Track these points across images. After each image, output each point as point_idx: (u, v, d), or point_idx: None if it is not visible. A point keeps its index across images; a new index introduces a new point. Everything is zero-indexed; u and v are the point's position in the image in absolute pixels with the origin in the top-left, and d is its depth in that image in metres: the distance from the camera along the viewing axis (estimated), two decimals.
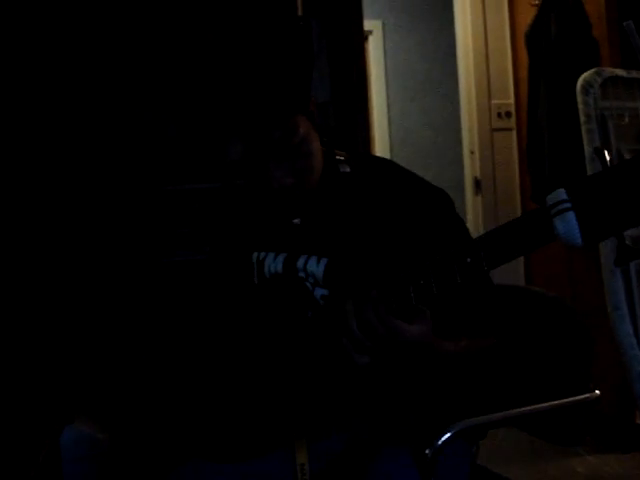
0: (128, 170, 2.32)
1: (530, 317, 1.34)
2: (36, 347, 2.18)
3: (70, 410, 1.99)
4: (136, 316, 2.20)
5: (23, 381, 2.13)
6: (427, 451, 1.25)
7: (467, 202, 3.86)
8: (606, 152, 1.14)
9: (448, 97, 4.70)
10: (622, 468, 2.80)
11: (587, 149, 2.59)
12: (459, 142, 4.10)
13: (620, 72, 2.70)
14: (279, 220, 1.36)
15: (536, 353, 1.46)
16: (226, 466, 1.28)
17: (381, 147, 4.81)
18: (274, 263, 1.32)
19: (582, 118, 2.61)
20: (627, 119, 2.64)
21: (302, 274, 1.30)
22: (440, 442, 1.25)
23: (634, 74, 2.69)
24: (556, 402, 1.41)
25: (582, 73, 2.65)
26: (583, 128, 2.60)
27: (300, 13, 2.43)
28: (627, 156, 2.53)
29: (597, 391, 1.43)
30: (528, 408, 1.39)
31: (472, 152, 3.85)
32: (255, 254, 1.35)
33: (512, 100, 3.78)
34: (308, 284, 1.29)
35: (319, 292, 1.29)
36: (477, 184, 3.82)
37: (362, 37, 2.75)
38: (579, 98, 2.61)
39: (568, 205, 0.87)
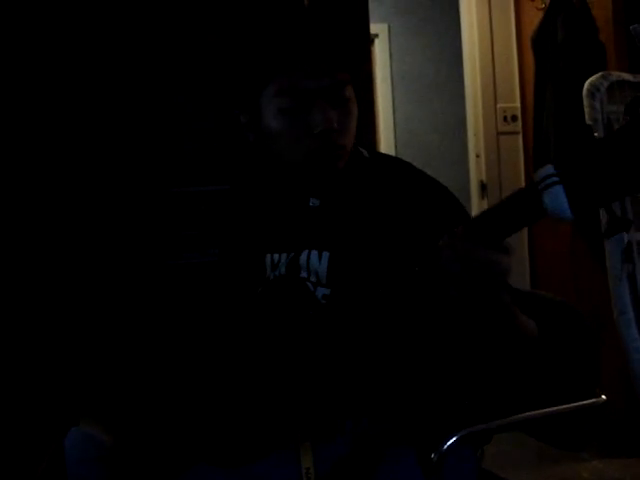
0: (133, 172, 2.33)
1: (537, 321, 1.34)
2: (41, 348, 2.18)
3: (75, 412, 1.99)
4: (141, 318, 2.20)
5: (28, 382, 2.13)
6: (432, 455, 1.24)
7: (473, 206, 3.85)
8: (593, 127, 1.13)
9: (454, 100, 4.70)
10: (628, 473, 2.79)
11: None
12: (465, 145, 4.10)
13: (627, 76, 2.69)
14: (294, 203, 1.34)
15: (543, 357, 1.46)
16: (231, 470, 1.28)
17: (386, 150, 4.81)
18: (282, 266, 1.32)
19: (588, 122, 2.60)
20: None
21: (304, 273, 1.29)
22: (445, 446, 1.25)
23: None
24: (562, 407, 1.41)
25: (588, 77, 2.64)
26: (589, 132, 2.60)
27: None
28: None
29: (603, 396, 1.42)
30: (534, 413, 1.38)
31: (478, 155, 3.85)
32: (269, 256, 1.34)
33: (518, 104, 3.78)
34: (309, 284, 1.28)
35: (321, 292, 1.28)
36: (483, 188, 3.81)
37: (368, 41, 2.75)
38: (585, 102, 2.60)
39: (556, 179, 0.87)
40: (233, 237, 1.44)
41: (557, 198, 0.87)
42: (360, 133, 1.33)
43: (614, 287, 2.53)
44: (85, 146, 2.29)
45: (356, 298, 1.18)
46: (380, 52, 4.89)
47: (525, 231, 3.59)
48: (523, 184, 3.75)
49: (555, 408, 1.40)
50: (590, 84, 2.61)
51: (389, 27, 4.89)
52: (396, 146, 4.89)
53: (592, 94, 2.59)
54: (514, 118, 3.78)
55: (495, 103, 3.78)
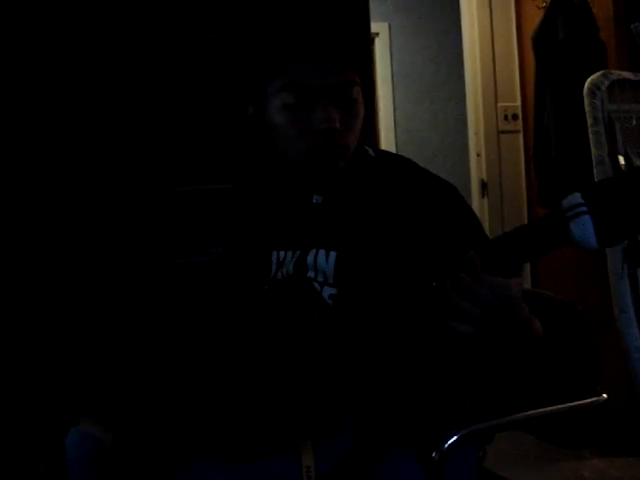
0: (133, 171, 2.32)
1: (539, 320, 1.34)
2: (41, 348, 2.18)
3: (75, 411, 1.99)
4: (141, 317, 2.20)
5: (28, 382, 2.13)
6: (434, 454, 1.24)
7: (473, 204, 3.85)
8: (620, 157, 1.16)
9: (454, 99, 4.70)
10: (629, 472, 2.79)
11: (594, 152, 2.58)
12: (465, 144, 4.10)
13: (627, 75, 2.69)
14: (298, 199, 1.34)
15: (544, 356, 1.46)
16: (232, 467, 1.28)
17: (387, 149, 4.80)
18: (289, 264, 1.31)
19: (589, 121, 2.60)
20: (634, 122, 2.63)
21: (311, 273, 1.29)
22: (447, 445, 1.25)
23: None
24: (563, 405, 1.40)
25: (589, 76, 2.64)
26: (590, 131, 2.60)
27: None
28: (634, 158, 2.53)
29: (604, 395, 1.42)
30: (535, 411, 1.38)
31: (478, 154, 3.85)
32: (275, 253, 1.34)
33: (519, 103, 3.77)
34: (316, 284, 1.28)
35: (327, 291, 1.28)
36: (483, 186, 3.81)
37: (369, 40, 2.75)
38: (586, 101, 2.61)
39: (584, 209, 0.88)
40: (239, 235, 1.44)
41: (584, 228, 0.89)
42: (361, 132, 1.33)
43: (615, 286, 2.53)
44: (84, 145, 2.29)
45: (364, 300, 1.18)
46: (380, 51, 4.88)
47: None
48: (524, 183, 3.75)
49: (556, 407, 1.40)
50: (591, 83, 2.61)
51: (390, 26, 4.89)
52: (397, 145, 4.89)
53: (593, 93, 2.59)
54: (515, 117, 3.77)
55: (496, 102, 3.78)
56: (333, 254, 1.28)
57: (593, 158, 2.58)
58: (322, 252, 1.29)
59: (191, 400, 1.35)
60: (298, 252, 1.31)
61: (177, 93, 2.33)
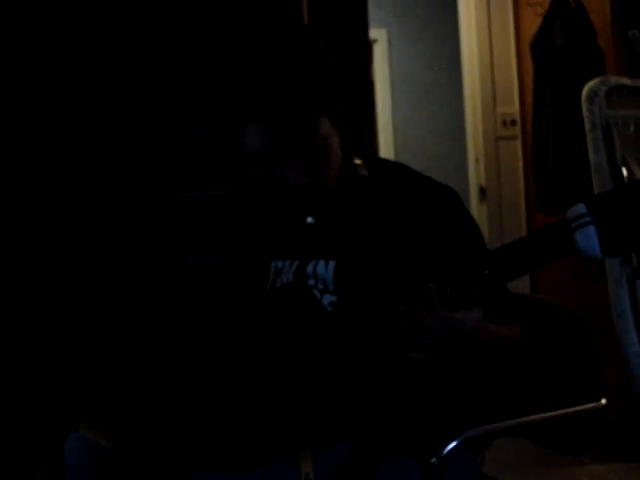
0: (134, 176, 2.33)
1: (537, 326, 1.34)
2: (41, 353, 2.18)
3: (75, 417, 1.99)
4: (141, 323, 2.20)
5: (27, 387, 2.13)
6: (433, 460, 1.24)
7: (472, 210, 3.85)
8: (624, 169, 1.18)
9: (453, 105, 4.70)
10: (627, 477, 2.79)
11: (592, 158, 2.58)
12: (464, 150, 4.10)
13: (625, 81, 2.70)
14: (292, 220, 1.35)
15: (543, 362, 1.46)
16: (231, 476, 1.28)
17: (385, 154, 4.81)
18: (288, 272, 1.32)
19: (587, 127, 2.60)
20: (632, 128, 2.63)
21: (312, 281, 1.29)
22: (446, 451, 1.25)
23: (639, 83, 2.69)
24: (562, 411, 1.41)
25: (587, 82, 2.65)
26: (588, 137, 2.60)
27: (306, 21, 2.44)
28: (632, 165, 2.53)
29: (603, 400, 1.42)
30: (534, 417, 1.38)
31: (477, 160, 3.85)
32: (274, 263, 1.34)
33: (517, 108, 3.78)
34: (317, 292, 1.29)
35: (327, 299, 1.28)
36: (482, 192, 3.82)
37: (368, 45, 2.75)
38: (584, 107, 2.61)
39: (588, 219, 0.90)
40: (238, 242, 1.45)
41: (589, 238, 0.91)
42: (359, 138, 1.33)
43: (613, 291, 2.53)
44: (86, 150, 2.29)
45: (364, 308, 1.18)
46: (379, 57, 4.89)
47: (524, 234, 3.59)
48: (522, 189, 3.76)
49: (555, 412, 1.40)
50: (589, 89, 2.61)
51: (388, 32, 4.90)
52: (395, 150, 4.90)
53: (591, 99, 2.59)
54: (513, 123, 3.78)
55: (494, 108, 3.78)
56: (332, 263, 1.29)
57: (591, 164, 2.58)
58: (322, 262, 1.29)
59: (190, 408, 1.35)
60: (297, 262, 1.32)
61: (177, 99, 2.34)
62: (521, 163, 3.77)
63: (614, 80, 2.66)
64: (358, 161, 1.38)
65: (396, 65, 4.92)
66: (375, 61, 4.85)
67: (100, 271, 2.26)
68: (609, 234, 0.90)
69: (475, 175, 3.88)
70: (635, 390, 2.49)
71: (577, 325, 1.49)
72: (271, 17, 2.41)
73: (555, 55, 3.14)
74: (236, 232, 1.47)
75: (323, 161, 1.26)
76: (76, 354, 2.20)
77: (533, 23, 3.45)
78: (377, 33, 4.77)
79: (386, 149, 4.87)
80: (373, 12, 3.04)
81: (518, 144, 3.79)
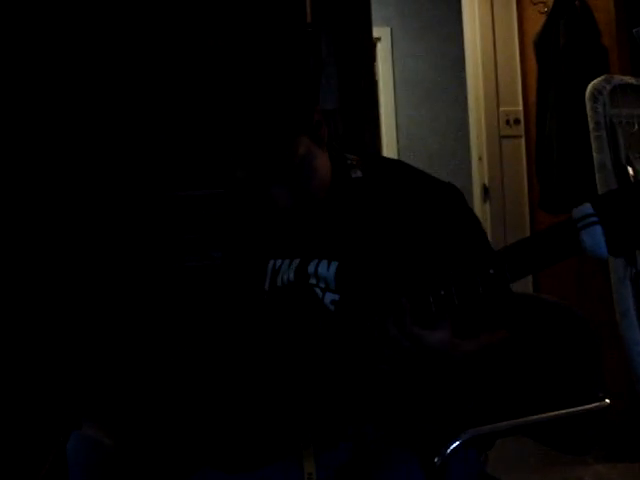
0: (137, 175, 2.33)
1: (541, 325, 1.34)
2: (44, 352, 2.18)
3: (77, 415, 1.99)
4: (145, 322, 2.20)
5: (30, 386, 2.13)
6: (436, 459, 1.24)
7: (475, 209, 3.85)
8: (629, 168, 1.17)
9: (456, 104, 4.69)
10: (631, 477, 2.78)
11: (596, 157, 2.58)
12: (467, 149, 4.09)
13: (629, 79, 2.69)
14: (290, 226, 1.36)
15: (547, 361, 1.46)
16: (234, 476, 1.27)
17: (389, 154, 4.80)
18: (288, 271, 1.32)
19: (591, 125, 2.60)
20: (636, 127, 2.63)
21: (313, 280, 1.30)
22: (449, 450, 1.25)
23: None
24: (565, 411, 1.40)
25: (591, 80, 2.64)
26: (592, 135, 2.59)
27: (309, 19, 2.44)
28: (637, 164, 2.53)
29: (607, 400, 1.42)
30: (537, 417, 1.38)
31: (480, 159, 3.85)
32: (271, 262, 1.34)
33: (521, 107, 3.77)
34: (318, 290, 1.29)
35: (329, 297, 1.28)
36: (485, 191, 3.81)
37: (371, 44, 2.75)
38: (588, 105, 2.60)
39: (595, 219, 0.90)
40: (237, 240, 1.45)
41: (595, 238, 0.91)
42: (362, 137, 1.33)
43: (617, 290, 2.52)
44: (88, 149, 2.30)
45: (366, 307, 1.18)
46: (382, 55, 4.88)
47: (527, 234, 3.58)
48: (526, 187, 3.75)
49: (559, 412, 1.40)
50: (593, 87, 2.61)
51: (391, 30, 4.89)
52: (398, 149, 4.89)
53: (595, 97, 2.59)
54: (517, 122, 3.77)
55: (497, 107, 3.78)
56: (335, 264, 1.28)
57: (595, 163, 2.58)
58: (324, 262, 1.29)
59: (193, 407, 1.35)
60: (297, 261, 1.32)
61: (180, 98, 2.34)
62: (524, 162, 3.77)
63: (618, 79, 2.66)
64: (353, 161, 1.37)
65: (399, 64, 4.91)
66: (378, 60, 4.84)
67: (102, 270, 2.26)
68: (616, 234, 0.90)
69: (478, 174, 3.88)
70: (638, 390, 2.48)
71: (581, 324, 1.49)
72: (275, 17, 2.41)
73: (559, 54, 3.13)
74: (234, 230, 1.47)
75: (306, 181, 1.26)
76: (79, 353, 2.20)
77: (537, 22, 3.44)
78: (380, 31, 4.76)
79: (389, 148, 4.86)
80: (376, 10, 3.04)
81: (521, 143, 3.78)
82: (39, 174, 2.25)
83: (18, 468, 1.87)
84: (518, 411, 1.39)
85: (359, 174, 1.35)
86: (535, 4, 3.55)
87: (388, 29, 4.87)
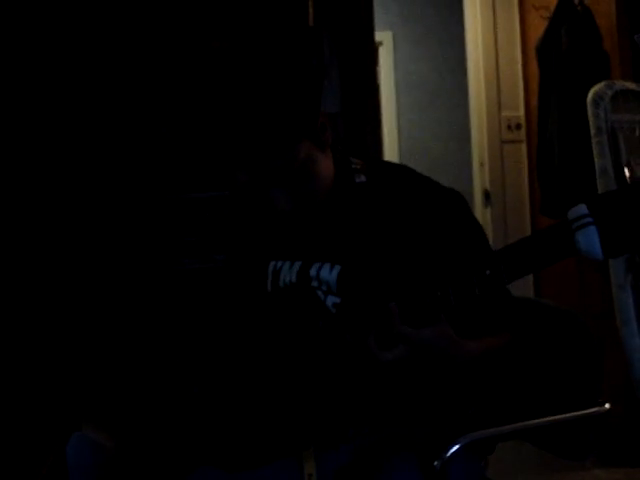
0: (136, 177, 2.33)
1: (541, 329, 1.34)
2: (43, 353, 2.18)
3: (77, 417, 1.99)
4: (144, 323, 2.20)
5: (29, 387, 2.13)
6: (435, 463, 1.24)
7: (476, 214, 3.85)
8: (626, 169, 1.17)
9: (458, 109, 4.69)
10: None
11: (597, 162, 2.58)
12: (469, 154, 4.10)
13: (631, 85, 2.69)
14: (291, 228, 1.36)
15: (546, 366, 1.46)
16: (233, 475, 1.28)
17: (390, 158, 4.81)
18: (289, 273, 1.33)
19: (592, 131, 2.60)
20: (638, 132, 2.63)
21: (315, 282, 1.30)
22: (449, 454, 1.25)
23: None
24: (565, 415, 1.40)
25: (593, 86, 2.64)
26: (593, 141, 2.59)
27: (312, 23, 2.44)
28: (637, 169, 2.53)
29: (607, 405, 1.42)
30: (537, 421, 1.38)
31: (482, 164, 3.85)
32: (272, 263, 1.35)
33: (522, 112, 3.78)
34: (320, 292, 1.29)
35: (331, 300, 1.29)
36: (487, 196, 3.81)
37: (373, 48, 2.76)
38: (589, 111, 2.60)
39: (590, 220, 0.90)
40: (238, 242, 1.45)
41: (590, 239, 0.91)
42: (364, 141, 1.33)
43: (617, 297, 2.52)
44: (91, 151, 2.30)
45: (368, 310, 1.19)
46: (384, 60, 4.89)
47: None
48: (527, 192, 3.75)
49: (558, 417, 1.40)
50: (594, 93, 2.61)
51: (394, 35, 4.90)
52: (400, 154, 4.89)
53: (596, 103, 2.59)
54: (518, 127, 3.78)
55: (499, 111, 3.78)
56: (337, 268, 1.29)
57: (596, 168, 2.57)
58: (327, 266, 1.30)
59: (193, 407, 1.35)
60: (298, 263, 1.32)
61: (181, 101, 2.34)
62: (526, 167, 3.77)
63: (620, 84, 2.66)
64: (357, 165, 1.37)
65: (401, 68, 4.92)
66: (380, 64, 4.85)
67: (102, 272, 2.27)
68: (610, 235, 0.90)
69: (480, 179, 3.88)
70: (639, 395, 2.48)
71: (581, 329, 1.49)
72: (278, 21, 2.41)
73: (561, 59, 3.13)
74: (236, 232, 1.47)
75: (306, 185, 1.27)
76: (79, 354, 2.20)
77: (539, 27, 3.44)
78: (382, 36, 4.76)
79: (391, 153, 4.87)
80: (379, 14, 3.04)
81: (523, 148, 3.78)
82: (41, 175, 2.26)
83: (18, 469, 1.87)
84: (518, 415, 1.39)
85: (363, 179, 1.35)
86: (537, 9, 3.55)
87: (390, 33, 4.87)
